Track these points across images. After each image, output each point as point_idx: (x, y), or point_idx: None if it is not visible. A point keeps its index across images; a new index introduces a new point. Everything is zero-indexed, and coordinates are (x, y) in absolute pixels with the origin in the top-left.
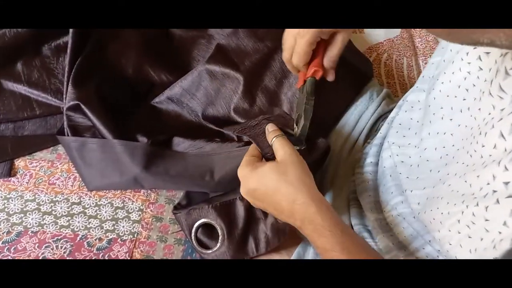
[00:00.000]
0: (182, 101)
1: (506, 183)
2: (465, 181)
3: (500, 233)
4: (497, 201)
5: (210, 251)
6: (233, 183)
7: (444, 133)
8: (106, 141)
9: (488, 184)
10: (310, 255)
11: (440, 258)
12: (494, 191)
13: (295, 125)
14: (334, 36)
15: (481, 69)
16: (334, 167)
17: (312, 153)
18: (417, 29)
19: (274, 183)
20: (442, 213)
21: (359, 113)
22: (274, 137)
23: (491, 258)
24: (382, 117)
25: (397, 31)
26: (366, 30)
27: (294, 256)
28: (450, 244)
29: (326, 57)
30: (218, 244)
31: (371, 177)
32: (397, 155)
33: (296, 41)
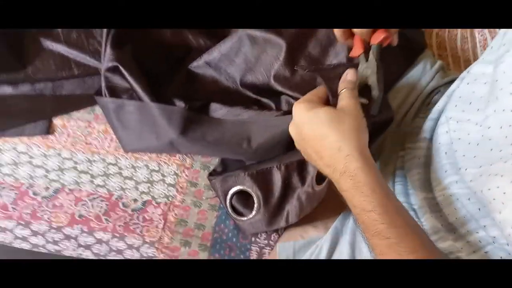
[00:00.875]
0: (220, 67)
1: None
2: None
3: None
4: None
5: (245, 218)
6: (271, 152)
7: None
8: (144, 104)
9: None
10: (348, 230)
11: (495, 245)
12: None
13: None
14: None
15: None
16: (380, 140)
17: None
18: None
19: (324, 128)
20: (504, 193)
21: (411, 85)
22: (346, 88)
23: None
24: (435, 91)
25: None
26: None
27: (331, 231)
28: None
29: None
30: (254, 212)
31: (424, 153)
32: (455, 131)
33: None
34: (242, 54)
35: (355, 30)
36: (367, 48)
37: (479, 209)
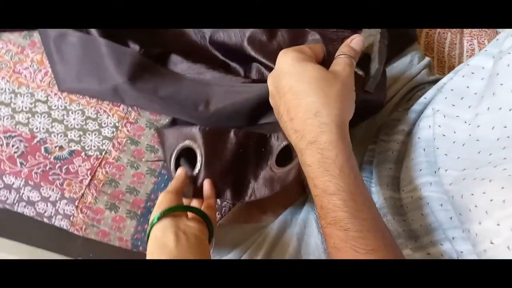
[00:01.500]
0: None
1: None
2: None
3: None
4: None
5: None
6: (228, 120)
7: (510, 110)
8: (91, 37)
9: None
10: (298, 221)
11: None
12: None
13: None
14: None
15: None
16: (352, 129)
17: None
18: None
19: (306, 85)
20: (491, 200)
21: (395, 76)
22: (346, 55)
23: None
24: (419, 87)
25: None
26: None
27: (278, 221)
28: (492, 243)
29: None
30: (196, 170)
31: (398, 148)
32: (440, 126)
33: None
34: None
35: None
36: None
37: (451, 218)
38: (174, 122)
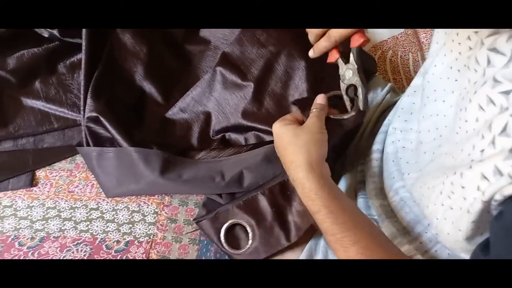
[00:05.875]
0: (193, 111)
1: (482, 151)
2: (452, 157)
3: (475, 199)
4: (470, 167)
5: (243, 250)
6: (242, 184)
7: (437, 115)
8: (122, 149)
9: (469, 154)
10: (320, 248)
11: (438, 241)
12: (472, 160)
13: (345, 95)
14: None
15: (470, 48)
16: (341, 159)
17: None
18: None
19: (286, 142)
20: (428, 188)
21: None
22: (315, 109)
23: (467, 224)
24: (388, 109)
25: (400, 29)
26: (370, 30)
27: (305, 250)
28: (437, 219)
29: None
30: (250, 241)
31: (377, 164)
32: (399, 140)
33: None
34: (213, 99)
35: (338, 35)
36: (342, 53)
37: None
38: (205, 205)
